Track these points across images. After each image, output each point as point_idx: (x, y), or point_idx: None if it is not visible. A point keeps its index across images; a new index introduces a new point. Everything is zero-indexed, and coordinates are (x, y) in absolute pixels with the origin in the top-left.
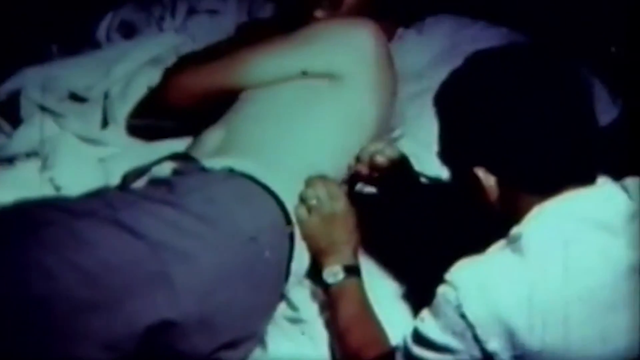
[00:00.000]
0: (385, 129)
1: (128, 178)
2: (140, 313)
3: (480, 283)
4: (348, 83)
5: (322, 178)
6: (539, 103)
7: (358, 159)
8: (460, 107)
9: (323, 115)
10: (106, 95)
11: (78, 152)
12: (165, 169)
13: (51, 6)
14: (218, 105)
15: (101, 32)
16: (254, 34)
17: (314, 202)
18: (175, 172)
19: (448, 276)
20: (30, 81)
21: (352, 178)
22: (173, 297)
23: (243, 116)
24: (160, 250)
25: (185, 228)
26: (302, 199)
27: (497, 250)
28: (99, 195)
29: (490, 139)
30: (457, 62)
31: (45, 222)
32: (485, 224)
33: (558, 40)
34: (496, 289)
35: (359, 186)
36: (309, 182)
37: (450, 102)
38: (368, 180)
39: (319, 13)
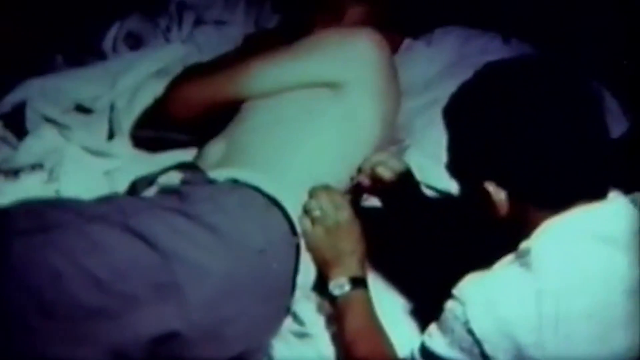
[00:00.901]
0: (389, 139)
1: (137, 187)
2: (148, 323)
3: (488, 298)
4: (350, 92)
5: (326, 188)
6: (550, 116)
7: (360, 170)
8: (470, 120)
9: (325, 125)
10: (112, 107)
11: (84, 164)
12: (173, 179)
13: (56, 17)
14: (222, 116)
15: (107, 43)
16: (261, 45)
17: (317, 213)
18: (184, 182)
19: (455, 291)
20: (36, 92)
21: (355, 189)
22: (182, 308)
23: (245, 127)
24: (172, 260)
25: (196, 238)
26: (306, 210)
27: (505, 265)
28: (110, 200)
29: (501, 153)
30: (465, 73)
31: (56, 223)
32: (494, 238)
33: (568, 51)
34: (504, 305)
35: (363, 197)
36: (312, 193)
37: (460, 114)
38: (371, 192)
39: (324, 20)
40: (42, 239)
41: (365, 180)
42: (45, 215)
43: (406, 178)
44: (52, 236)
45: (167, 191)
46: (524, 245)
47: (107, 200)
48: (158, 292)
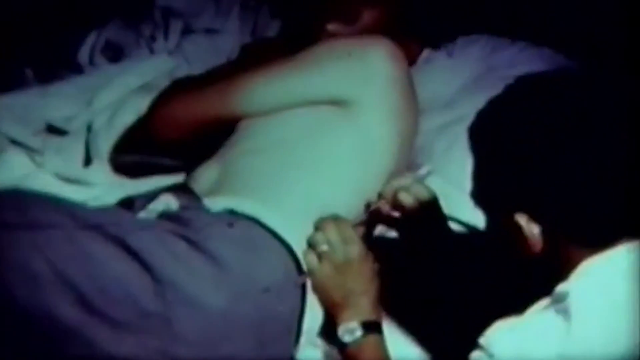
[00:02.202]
0: (405, 163)
1: (132, 207)
2: (126, 354)
3: (520, 349)
4: (360, 111)
5: (334, 219)
6: (593, 140)
7: (380, 196)
8: (500, 142)
9: (332, 148)
10: (89, 128)
11: (56, 193)
12: (168, 205)
13: (25, 24)
14: (215, 137)
15: (83, 55)
16: (258, 56)
17: (324, 247)
18: (183, 208)
19: (482, 340)
20: (1, 111)
21: (371, 218)
22: (168, 344)
23: (242, 150)
24: (165, 288)
25: (197, 268)
26: (311, 245)
27: (540, 311)
28: (108, 211)
29: (535, 181)
30: (493, 88)
31: (44, 222)
32: (526, 279)
33: (613, 62)
34: (538, 357)
35: (379, 229)
36: (319, 225)
37: (487, 135)
38: (389, 222)
39: (332, 26)
40: (24, 236)
41: (386, 207)
42: (34, 211)
43: (431, 208)
44: (37, 235)
45: (166, 216)
46: (560, 288)
47: (105, 211)
48: (145, 321)
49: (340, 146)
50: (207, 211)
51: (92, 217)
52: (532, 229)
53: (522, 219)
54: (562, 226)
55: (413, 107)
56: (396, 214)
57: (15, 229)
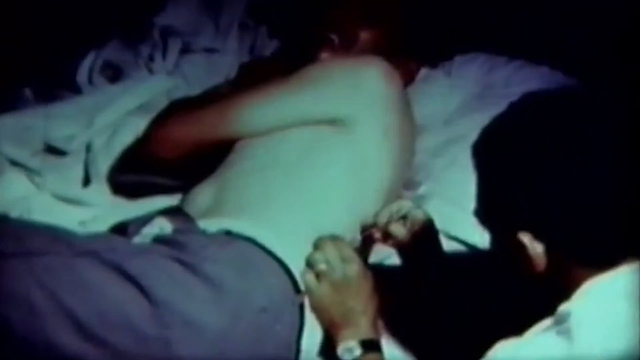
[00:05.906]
0: (402, 181)
1: (126, 231)
2: None
3: None
4: (356, 130)
5: (332, 239)
6: (599, 159)
7: (375, 221)
8: (505, 160)
9: (329, 168)
10: (88, 148)
11: (55, 214)
12: (165, 227)
13: (24, 44)
14: (212, 157)
15: (82, 75)
16: (256, 76)
17: (322, 266)
18: (177, 231)
19: None
20: (1, 132)
21: (366, 242)
22: None
23: (239, 170)
24: (164, 311)
25: (193, 290)
26: (309, 264)
27: (541, 331)
28: (102, 237)
29: (539, 200)
30: (491, 106)
31: (39, 250)
32: (528, 298)
33: (611, 80)
34: None
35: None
36: (317, 244)
37: (492, 152)
38: (385, 243)
39: (329, 46)
40: (21, 265)
41: (377, 234)
42: (29, 239)
43: (426, 233)
44: (33, 264)
45: (160, 240)
46: (563, 307)
47: (100, 237)
48: (144, 345)
49: (336, 165)
50: (202, 233)
51: (87, 244)
52: (535, 248)
53: (525, 238)
54: (566, 245)
55: (409, 126)
56: (389, 240)
57: (11, 257)
